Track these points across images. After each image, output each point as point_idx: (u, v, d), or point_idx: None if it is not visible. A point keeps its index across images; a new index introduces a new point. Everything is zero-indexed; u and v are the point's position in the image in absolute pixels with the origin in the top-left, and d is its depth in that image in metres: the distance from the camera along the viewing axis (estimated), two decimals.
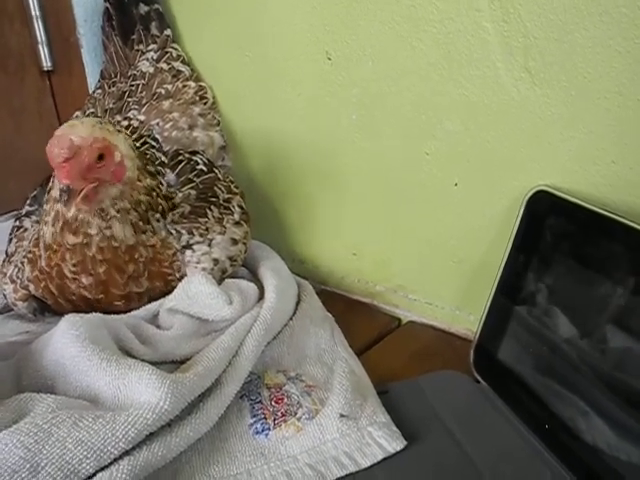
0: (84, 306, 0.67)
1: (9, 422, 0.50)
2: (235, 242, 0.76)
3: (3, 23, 0.89)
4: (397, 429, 0.56)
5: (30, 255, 0.69)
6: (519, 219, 0.60)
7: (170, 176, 0.75)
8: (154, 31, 0.92)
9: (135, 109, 0.83)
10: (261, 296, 0.73)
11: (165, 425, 0.52)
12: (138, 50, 0.91)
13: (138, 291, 0.68)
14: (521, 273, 0.61)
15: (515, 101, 0.60)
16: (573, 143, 0.58)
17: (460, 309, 0.75)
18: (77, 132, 0.58)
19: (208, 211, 0.75)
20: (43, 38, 0.93)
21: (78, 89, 0.98)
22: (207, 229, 0.73)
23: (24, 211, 0.77)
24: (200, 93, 0.90)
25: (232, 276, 0.80)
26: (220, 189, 0.79)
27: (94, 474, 0.47)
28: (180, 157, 0.78)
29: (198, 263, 0.71)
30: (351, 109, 0.75)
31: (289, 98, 0.82)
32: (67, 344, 0.58)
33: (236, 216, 0.78)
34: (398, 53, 0.68)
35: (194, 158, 0.79)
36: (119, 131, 0.64)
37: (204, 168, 0.79)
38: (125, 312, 0.68)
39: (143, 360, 0.59)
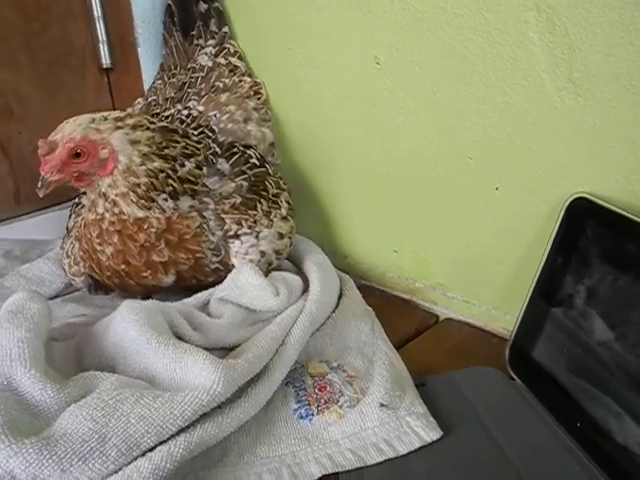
0: (119, 281, 0.74)
1: (77, 397, 0.55)
2: (281, 236, 0.80)
3: (68, 23, 0.94)
4: (434, 420, 0.59)
5: (77, 233, 0.76)
6: (558, 224, 0.62)
7: (225, 165, 0.78)
8: (213, 27, 0.97)
9: (194, 100, 0.88)
10: (305, 289, 0.77)
11: (217, 407, 0.56)
12: (197, 45, 0.96)
13: (161, 260, 0.71)
14: (558, 276, 0.63)
15: (558, 110, 0.62)
16: (614, 153, 0.60)
17: (496, 308, 0.77)
18: (61, 131, 0.65)
19: (258, 204, 0.78)
20: (104, 37, 0.98)
21: (134, 86, 1.03)
22: (255, 222, 0.77)
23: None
24: (255, 88, 0.94)
25: (278, 269, 0.84)
26: (270, 184, 0.82)
27: (153, 447, 0.51)
28: (234, 149, 0.81)
29: (246, 254, 0.75)
30: (397, 112, 0.77)
31: (337, 99, 0.85)
32: (127, 328, 0.62)
33: (283, 211, 0.81)
34: (444, 60, 0.70)
35: (248, 152, 0.82)
36: (119, 127, 0.67)
37: (256, 162, 0.82)
38: (158, 286, 0.74)
39: (194, 345, 0.63)
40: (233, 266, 0.76)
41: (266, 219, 0.78)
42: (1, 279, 0.86)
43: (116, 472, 0.49)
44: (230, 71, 0.94)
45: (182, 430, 0.53)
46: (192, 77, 0.92)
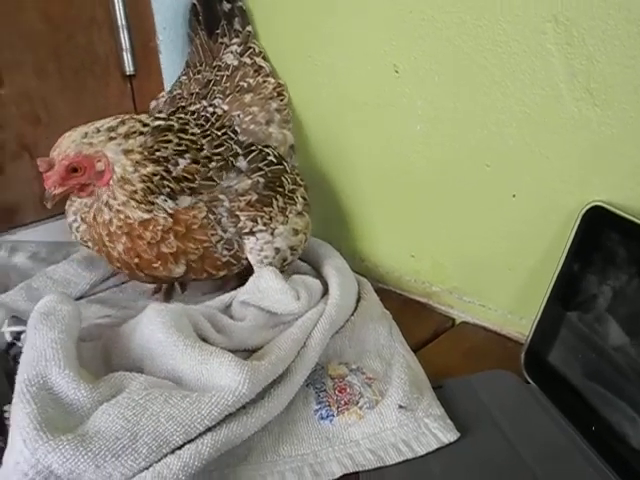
0: (129, 272, 0.77)
1: (109, 396, 0.57)
2: (297, 232, 0.81)
3: (93, 32, 0.96)
4: (451, 422, 0.61)
5: (84, 215, 0.78)
6: (574, 232, 0.64)
7: (242, 163, 0.79)
8: (237, 26, 0.98)
9: (219, 98, 0.88)
10: (325, 292, 0.79)
11: (241, 407, 0.58)
12: (222, 43, 0.97)
13: (170, 251, 0.73)
14: (574, 283, 0.65)
15: (575, 120, 0.64)
16: (630, 162, 0.61)
17: (512, 313, 0.78)
18: (57, 147, 0.69)
19: (274, 200, 0.79)
20: (127, 45, 1.00)
21: (155, 91, 1.04)
22: (271, 218, 0.78)
23: None
24: (278, 89, 0.95)
25: (297, 272, 0.86)
26: (287, 180, 0.83)
27: (182, 445, 0.53)
28: (253, 147, 0.82)
29: (261, 251, 0.77)
30: (415, 120, 0.79)
31: (356, 106, 0.87)
32: (154, 330, 0.64)
33: (299, 207, 0.83)
34: (463, 70, 0.72)
35: (266, 150, 0.83)
36: (127, 136, 0.69)
37: (274, 159, 0.83)
38: (168, 277, 0.77)
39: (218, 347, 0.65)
40: (246, 260, 0.78)
41: (282, 215, 0.79)
42: (29, 280, 0.88)
43: (147, 468, 0.52)
44: (255, 71, 0.95)
45: (209, 429, 0.55)
46: (217, 75, 0.93)
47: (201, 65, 0.96)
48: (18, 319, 0.70)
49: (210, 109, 0.86)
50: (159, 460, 0.52)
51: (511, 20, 0.65)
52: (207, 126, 0.82)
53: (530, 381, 0.68)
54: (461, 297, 0.84)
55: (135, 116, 0.72)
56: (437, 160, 0.79)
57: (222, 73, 0.93)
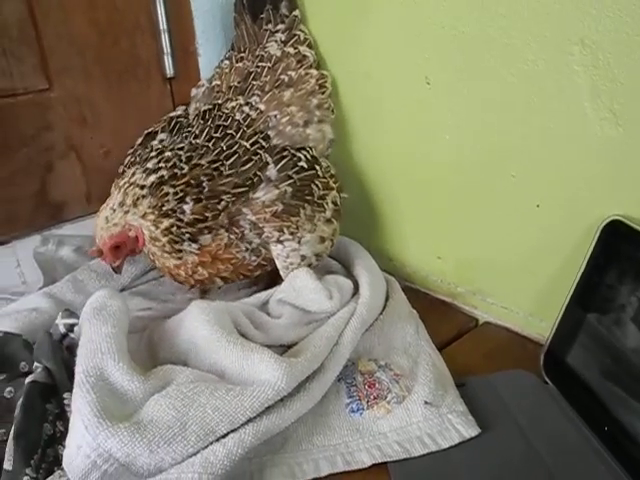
0: (175, 280, 0.83)
1: (159, 387, 0.62)
2: (323, 240, 0.83)
3: (136, 36, 1.01)
4: (473, 418, 0.65)
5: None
6: (594, 243, 0.67)
7: (272, 171, 0.80)
8: (283, 10, 0.96)
9: (257, 95, 0.88)
10: (355, 291, 0.83)
11: (279, 400, 0.63)
12: (267, 30, 0.95)
13: (202, 278, 0.80)
14: (593, 290, 0.68)
15: (598, 137, 0.67)
16: None
17: (533, 315, 0.82)
18: (97, 238, 0.76)
19: (301, 210, 0.80)
20: (168, 49, 1.04)
21: None
22: (298, 227, 0.79)
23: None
24: (320, 82, 0.93)
25: (328, 270, 0.90)
26: (317, 186, 0.83)
27: (226, 434, 0.59)
28: (285, 152, 0.82)
29: (287, 258, 0.80)
30: (445, 130, 0.83)
31: (389, 113, 0.90)
32: (198, 327, 0.69)
33: (328, 213, 0.84)
34: (491, 85, 0.75)
35: (298, 154, 0.83)
36: (135, 204, 0.74)
37: (305, 165, 0.83)
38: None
39: (256, 343, 0.70)
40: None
41: (309, 224, 0.81)
42: (75, 273, 0.94)
43: (195, 455, 0.57)
44: (298, 62, 0.92)
45: (250, 420, 0.60)
46: (258, 66, 0.91)
47: (244, 51, 0.95)
48: (71, 312, 0.75)
49: (246, 108, 0.86)
50: (206, 447, 0.58)
51: (540, 40, 0.68)
52: (237, 137, 0.82)
53: (548, 382, 0.72)
54: (485, 299, 0.88)
55: (131, 179, 0.75)
56: (464, 168, 0.83)
57: (264, 64, 0.91)
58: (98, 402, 0.57)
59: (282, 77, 0.90)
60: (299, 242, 0.80)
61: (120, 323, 0.68)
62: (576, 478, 0.60)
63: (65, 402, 0.64)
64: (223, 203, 0.77)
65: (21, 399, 0.61)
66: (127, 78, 1.02)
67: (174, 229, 0.75)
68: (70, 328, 0.73)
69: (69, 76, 0.95)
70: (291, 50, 0.93)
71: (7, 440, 0.60)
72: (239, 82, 0.90)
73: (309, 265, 0.82)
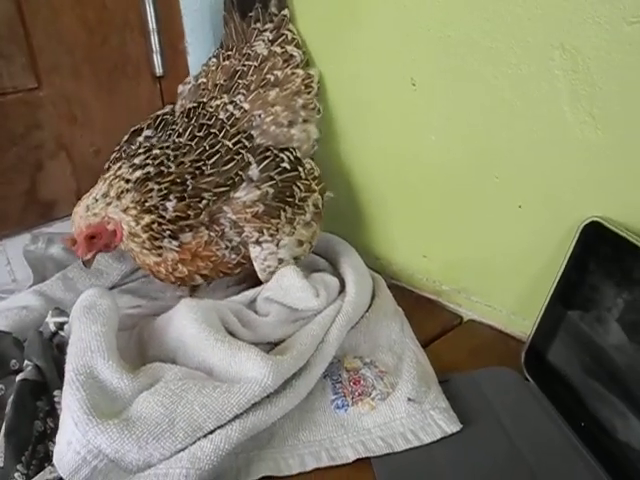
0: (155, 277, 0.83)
1: (148, 385, 0.64)
2: (301, 243, 0.83)
3: (125, 35, 1.02)
4: (454, 414, 0.67)
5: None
6: (574, 243, 0.69)
7: (254, 171, 0.80)
8: (272, 9, 0.95)
9: (242, 94, 0.87)
10: (342, 289, 0.85)
11: (265, 397, 0.64)
12: (255, 28, 0.95)
13: (183, 275, 0.80)
14: (573, 289, 0.70)
15: (579, 141, 0.68)
16: (627, 182, 0.66)
17: (515, 313, 0.84)
18: (73, 224, 0.75)
19: (282, 212, 0.80)
20: (157, 48, 1.05)
21: None
22: (277, 230, 0.80)
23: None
24: (306, 82, 0.92)
25: (316, 268, 0.91)
26: (299, 188, 0.83)
27: (213, 430, 0.60)
28: (268, 152, 0.82)
29: (264, 260, 0.80)
30: (430, 131, 0.84)
31: (376, 114, 0.91)
32: (187, 326, 0.71)
33: (308, 216, 0.84)
34: (476, 87, 0.76)
35: (281, 155, 0.83)
36: (119, 197, 0.73)
37: (288, 166, 0.83)
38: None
39: (243, 340, 0.71)
40: None
41: (289, 226, 0.81)
42: (65, 270, 0.95)
43: (183, 450, 0.58)
44: (284, 61, 0.92)
45: (237, 416, 0.62)
46: (245, 65, 0.91)
47: (232, 49, 0.95)
48: (61, 311, 0.76)
49: (230, 107, 0.85)
50: (194, 443, 0.59)
51: (522, 45, 0.70)
52: (220, 136, 0.82)
53: (529, 378, 0.74)
54: (469, 297, 0.90)
55: (118, 172, 0.75)
56: (449, 170, 0.84)
57: (250, 63, 0.91)
58: (88, 399, 0.59)
59: (268, 76, 0.90)
60: (277, 245, 0.80)
61: (110, 322, 0.69)
62: (554, 472, 0.62)
63: (55, 399, 0.65)
64: (204, 202, 0.77)
65: (12, 397, 0.62)
66: (117, 77, 1.03)
67: (155, 225, 0.75)
68: (60, 326, 0.74)
69: (58, 75, 0.96)
70: (278, 49, 0.93)
71: None
72: (225, 80, 0.90)
73: None
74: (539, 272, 0.78)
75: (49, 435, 0.62)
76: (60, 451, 0.57)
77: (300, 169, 0.85)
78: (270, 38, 0.94)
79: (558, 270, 0.71)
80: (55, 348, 0.72)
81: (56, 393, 0.65)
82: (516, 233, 0.79)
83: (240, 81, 0.89)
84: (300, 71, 0.93)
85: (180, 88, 0.99)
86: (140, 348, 0.76)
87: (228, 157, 0.80)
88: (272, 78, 0.90)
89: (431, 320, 0.90)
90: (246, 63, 0.91)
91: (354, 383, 0.72)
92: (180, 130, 0.83)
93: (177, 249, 0.77)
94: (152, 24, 1.03)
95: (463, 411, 0.68)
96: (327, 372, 0.74)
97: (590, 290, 0.69)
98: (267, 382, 0.63)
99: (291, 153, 0.85)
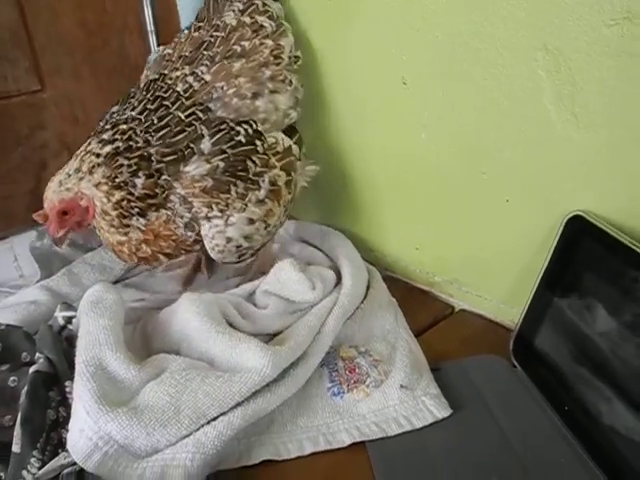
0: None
1: (154, 375, 0.67)
2: (252, 222, 0.80)
3: (124, 37, 1.05)
4: (445, 400, 0.71)
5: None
6: (558, 235, 0.72)
7: (206, 144, 0.78)
8: None
9: (205, 65, 0.84)
10: (338, 281, 0.88)
11: (265, 385, 0.68)
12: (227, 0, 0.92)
13: (146, 256, 0.79)
14: (558, 279, 0.73)
15: (562, 139, 0.71)
16: (608, 178, 0.69)
17: (504, 303, 0.87)
18: (45, 200, 0.74)
19: (232, 186, 0.78)
20: (155, 48, 1.08)
21: None
22: (227, 205, 0.78)
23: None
24: (275, 52, 0.89)
25: (312, 261, 0.94)
26: (254, 162, 0.80)
27: (216, 417, 0.64)
28: (222, 126, 0.80)
29: (212, 239, 0.78)
30: (421, 129, 0.87)
31: (368, 112, 0.94)
32: (190, 318, 0.74)
33: (262, 192, 0.81)
34: (464, 86, 0.79)
35: (237, 128, 0.80)
36: (91, 172, 0.73)
37: (243, 139, 0.80)
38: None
39: (243, 332, 0.75)
40: None
41: (240, 202, 0.78)
42: (70, 266, 0.98)
43: (188, 436, 0.62)
44: (253, 32, 0.89)
45: (239, 404, 0.65)
46: (213, 36, 0.88)
47: (203, 21, 0.92)
48: (69, 305, 0.80)
49: (190, 79, 0.83)
50: (198, 429, 0.63)
51: (508, 46, 0.73)
52: (172, 109, 0.80)
53: (517, 365, 0.77)
54: (460, 287, 0.93)
55: (88, 147, 0.75)
56: (440, 166, 0.87)
57: (218, 34, 0.88)
58: (98, 389, 0.62)
59: (235, 47, 0.87)
60: (226, 222, 0.78)
61: (116, 315, 0.73)
62: (540, 455, 0.65)
63: (66, 389, 0.68)
64: (164, 177, 0.76)
65: (26, 388, 0.66)
66: (116, 77, 1.06)
67: (124, 203, 0.74)
68: (68, 320, 0.78)
69: (60, 77, 0.99)
70: (247, 19, 0.90)
71: (13, 425, 0.64)
72: (190, 52, 0.88)
73: (238, 246, 0.80)
74: (526, 263, 0.81)
75: (61, 423, 0.65)
76: (73, 438, 0.60)
77: (258, 143, 0.82)
78: (240, 8, 0.91)
79: (544, 261, 0.74)
80: (64, 341, 0.76)
81: (67, 384, 0.68)
82: (504, 226, 0.82)
83: (205, 52, 0.87)
84: (269, 41, 0.89)
85: (148, 58, 0.97)
86: (145, 340, 0.79)
87: (178, 129, 0.78)
88: (239, 49, 0.87)
89: (424, 310, 0.93)
90: (214, 34, 0.88)
91: (349, 371, 0.76)
92: (135, 103, 0.82)
93: (143, 228, 0.76)
94: (150, 26, 1.07)
95: (453, 397, 0.71)
96: (324, 361, 0.77)
97: (574, 280, 0.72)
98: (266, 371, 0.67)
99: (250, 126, 0.82)
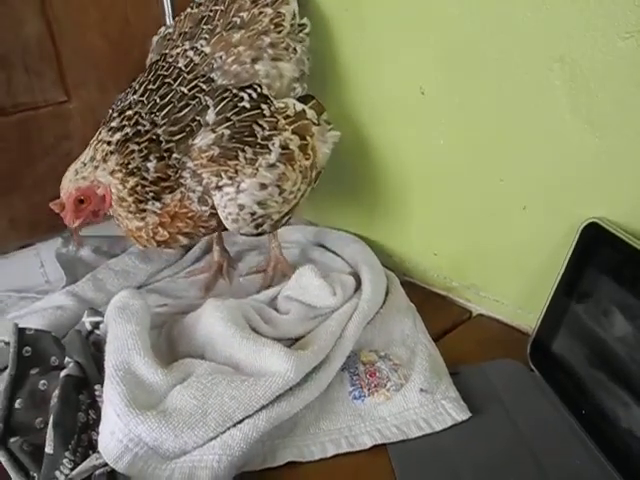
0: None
1: (180, 379, 0.69)
2: (264, 187, 0.79)
3: (146, 46, 1.05)
4: (464, 403, 0.72)
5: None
6: (575, 242, 0.73)
7: (211, 115, 0.78)
8: None
9: (205, 39, 0.85)
10: (357, 286, 0.90)
11: (288, 389, 0.70)
12: None
13: (164, 239, 0.80)
14: (575, 285, 0.74)
15: (578, 147, 0.73)
16: (626, 186, 0.70)
17: (521, 308, 0.88)
18: (62, 189, 0.76)
19: (240, 152, 0.77)
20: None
21: None
22: (237, 171, 0.77)
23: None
24: (276, 20, 0.88)
25: (333, 268, 0.96)
26: (261, 126, 0.80)
27: (242, 420, 0.66)
28: (226, 94, 0.80)
29: (225, 208, 0.78)
30: (439, 135, 0.88)
31: (388, 119, 0.96)
32: (214, 324, 0.76)
33: (272, 156, 0.79)
34: (481, 95, 0.81)
35: (241, 94, 0.80)
36: (105, 160, 0.75)
37: (247, 105, 0.80)
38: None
39: (266, 337, 0.77)
40: None
41: (250, 167, 0.78)
42: (94, 272, 1.01)
43: (215, 438, 0.64)
44: (252, 2, 0.89)
45: (263, 407, 0.67)
46: (212, 10, 0.88)
47: None
48: (96, 311, 0.82)
49: (190, 53, 0.83)
50: (224, 432, 0.65)
51: (524, 56, 0.74)
52: (175, 85, 0.80)
53: (534, 369, 0.78)
54: (478, 292, 0.94)
55: (99, 137, 0.77)
56: (457, 172, 0.89)
57: (217, 8, 0.88)
58: (127, 393, 0.64)
59: (234, 19, 0.87)
60: (237, 188, 0.78)
61: (142, 321, 0.75)
62: (556, 457, 0.67)
63: (96, 393, 0.70)
64: (175, 156, 0.77)
65: (57, 391, 0.68)
66: None
67: (139, 188, 0.76)
68: (96, 325, 0.80)
69: (85, 88, 1.02)
70: None
71: (44, 428, 0.67)
72: (190, 27, 0.88)
73: (252, 214, 0.80)
74: (543, 269, 0.82)
75: (91, 425, 0.68)
76: (104, 440, 0.62)
77: (264, 106, 0.81)
78: None
79: (561, 267, 0.75)
80: (92, 345, 0.78)
81: (96, 387, 0.71)
82: (521, 232, 0.84)
83: (205, 27, 0.87)
84: (268, 10, 0.89)
85: (152, 40, 0.97)
86: (170, 345, 0.81)
87: (182, 103, 0.79)
88: (238, 20, 0.87)
89: (442, 315, 0.95)
90: (213, 8, 0.89)
91: (370, 375, 0.77)
92: (136, 87, 0.83)
93: (159, 211, 0.77)
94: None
95: (472, 401, 0.73)
96: (345, 365, 0.79)
97: (590, 286, 0.73)
98: (290, 375, 0.69)
99: (254, 90, 0.82)
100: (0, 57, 0.92)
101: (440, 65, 0.85)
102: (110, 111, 0.83)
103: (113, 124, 0.77)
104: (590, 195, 0.74)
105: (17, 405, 0.69)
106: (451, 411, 0.71)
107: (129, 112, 0.78)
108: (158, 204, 0.77)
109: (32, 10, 0.93)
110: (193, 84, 0.80)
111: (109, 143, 0.76)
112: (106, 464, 0.61)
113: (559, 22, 0.70)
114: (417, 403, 0.73)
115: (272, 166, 0.79)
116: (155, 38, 0.95)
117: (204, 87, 0.80)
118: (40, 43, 0.95)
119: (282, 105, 0.83)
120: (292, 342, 0.81)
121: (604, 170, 0.72)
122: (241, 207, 0.78)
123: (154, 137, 0.76)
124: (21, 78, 0.95)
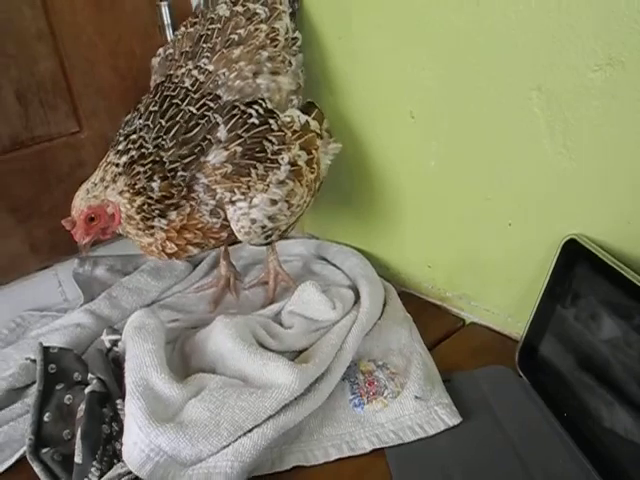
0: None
1: (194, 393, 0.75)
2: (274, 202, 0.84)
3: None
4: (456, 409, 0.78)
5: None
6: (556, 256, 0.79)
7: (222, 132, 0.82)
8: None
9: (206, 57, 0.88)
10: (356, 299, 0.96)
11: (294, 399, 0.76)
12: None
13: (173, 251, 0.84)
14: (557, 296, 0.80)
15: (556, 169, 0.78)
16: (598, 204, 0.76)
17: (511, 316, 0.94)
18: (73, 207, 0.80)
19: (252, 169, 0.82)
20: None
21: None
22: (249, 187, 0.82)
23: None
24: (271, 35, 0.92)
25: (333, 281, 1.02)
26: (270, 141, 0.84)
27: (251, 429, 0.72)
28: (235, 111, 0.83)
29: (237, 222, 0.83)
30: (430, 157, 0.94)
31: (380, 144, 1.02)
32: (224, 340, 0.82)
33: (282, 173, 0.84)
34: (468, 120, 0.86)
35: (248, 110, 0.84)
36: (114, 180, 0.78)
37: (256, 121, 0.84)
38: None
39: (272, 350, 0.83)
40: None
41: (261, 183, 0.82)
42: (109, 290, 1.07)
43: (227, 446, 0.70)
44: (247, 19, 0.92)
45: (271, 417, 0.73)
46: (209, 29, 0.91)
47: (197, 16, 0.96)
48: (114, 329, 0.89)
49: (195, 72, 0.87)
50: (236, 440, 0.71)
51: (505, 85, 0.80)
52: (183, 105, 0.83)
53: (522, 375, 0.84)
54: (469, 302, 1.00)
55: (108, 159, 0.81)
56: (448, 191, 0.94)
57: (214, 26, 0.92)
58: (147, 407, 0.71)
59: (232, 36, 0.90)
60: (250, 204, 0.82)
61: (158, 340, 0.81)
62: (542, 459, 0.72)
63: (118, 407, 0.77)
64: (180, 175, 0.80)
65: (83, 405, 0.74)
66: None
67: (145, 207, 0.79)
68: (114, 343, 0.86)
69: (96, 118, 1.08)
70: (240, 9, 0.93)
71: (72, 439, 0.73)
72: (190, 47, 0.91)
73: (263, 227, 0.85)
74: (530, 279, 0.87)
75: (115, 436, 0.74)
76: (128, 450, 0.69)
77: (272, 121, 0.85)
78: (232, 0, 0.95)
79: (545, 279, 0.81)
80: (112, 362, 0.84)
81: (118, 401, 0.77)
82: (508, 247, 0.89)
83: (204, 45, 0.90)
84: (263, 26, 0.92)
85: (153, 61, 0.99)
86: (183, 359, 0.88)
87: (192, 123, 0.82)
88: (236, 37, 0.90)
89: (436, 323, 1.00)
90: (210, 27, 0.92)
91: (369, 384, 0.83)
92: (142, 110, 0.86)
93: (165, 227, 0.81)
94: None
95: (463, 406, 0.78)
96: (345, 375, 0.85)
97: (572, 296, 0.79)
98: (294, 387, 0.75)
99: (260, 105, 0.86)
100: (18, 94, 0.98)
101: (428, 91, 0.90)
102: (117, 135, 0.86)
103: (120, 147, 0.82)
104: (569, 213, 0.80)
105: (46, 418, 0.76)
106: (444, 416, 0.77)
107: (133, 136, 0.82)
108: (164, 221, 0.81)
109: (46, 49, 0.99)
110: (201, 103, 0.83)
111: (117, 165, 0.80)
112: (130, 472, 0.67)
113: (536, 53, 0.75)
114: (412, 409, 0.78)
115: (282, 183, 0.84)
116: (155, 59, 0.99)
117: (212, 105, 0.83)
118: (53, 79, 1.01)
119: (288, 119, 0.88)
120: (296, 354, 0.87)
121: (579, 191, 0.77)
122: (253, 221, 0.83)
123: (157, 159, 0.80)
124: (37, 112, 1.01)
